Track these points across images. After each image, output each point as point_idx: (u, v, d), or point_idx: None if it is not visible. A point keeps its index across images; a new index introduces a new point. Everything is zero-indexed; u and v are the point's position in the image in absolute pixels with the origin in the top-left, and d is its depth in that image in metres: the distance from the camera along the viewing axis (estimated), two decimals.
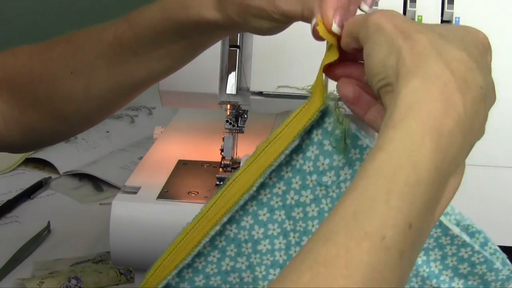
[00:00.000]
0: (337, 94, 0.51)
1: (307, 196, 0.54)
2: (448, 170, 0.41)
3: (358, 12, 0.54)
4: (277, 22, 0.58)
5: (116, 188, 1.19)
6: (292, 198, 0.54)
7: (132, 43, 0.66)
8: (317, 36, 0.51)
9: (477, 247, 0.54)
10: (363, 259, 0.37)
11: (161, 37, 0.64)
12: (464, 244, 0.54)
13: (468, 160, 0.49)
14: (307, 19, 0.54)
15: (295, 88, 0.54)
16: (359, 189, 0.39)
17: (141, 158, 1.01)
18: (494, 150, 0.86)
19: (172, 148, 1.00)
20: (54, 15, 1.72)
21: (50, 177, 1.25)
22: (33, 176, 1.25)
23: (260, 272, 0.55)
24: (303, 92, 0.54)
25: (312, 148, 0.53)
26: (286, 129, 0.52)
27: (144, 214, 0.81)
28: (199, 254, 0.55)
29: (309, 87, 0.52)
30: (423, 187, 0.39)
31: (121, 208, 0.81)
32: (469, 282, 0.56)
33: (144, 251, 0.80)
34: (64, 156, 1.29)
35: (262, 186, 0.54)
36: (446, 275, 0.55)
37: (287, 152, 0.52)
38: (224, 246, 0.56)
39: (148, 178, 0.88)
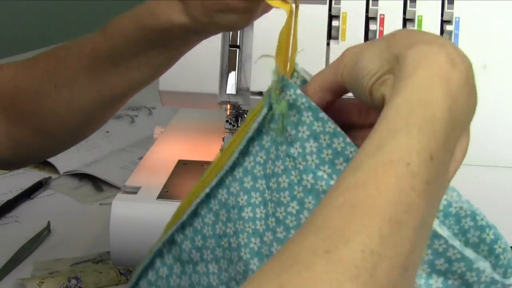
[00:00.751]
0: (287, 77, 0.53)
1: (279, 167, 0.54)
2: (459, 120, 0.44)
3: None
4: (239, 12, 0.60)
5: (116, 188, 1.19)
6: (270, 168, 0.55)
7: (110, 54, 0.66)
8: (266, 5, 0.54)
9: (451, 241, 0.47)
10: (391, 181, 0.40)
11: (136, 46, 0.65)
12: (436, 235, 0.47)
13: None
14: None
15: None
16: (381, 127, 0.43)
17: (141, 158, 1.01)
18: (495, 150, 0.86)
19: (172, 148, 1.00)
20: (49, 24, 1.72)
21: (50, 177, 1.25)
22: (33, 176, 1.25)
23: (243, 239, 0.56)
24: None
25: (280, 117, 0.53)
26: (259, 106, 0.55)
27: (144, 214, 0.81)
28: (197, 214, 0.58)
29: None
30: (440, 125, 0.42)
31: (121, 208, 0.81)
32: (449, 282, 0.49)
33: (144, 251, 0.80)
34: (64, 156, 1.27)
35: (247, 153, 0.56)
36: (423, 269, 0.49)
37: (259, 119, 0.54)
38: (217, 210, 0.57)
39: (148, 178, 0.88)
